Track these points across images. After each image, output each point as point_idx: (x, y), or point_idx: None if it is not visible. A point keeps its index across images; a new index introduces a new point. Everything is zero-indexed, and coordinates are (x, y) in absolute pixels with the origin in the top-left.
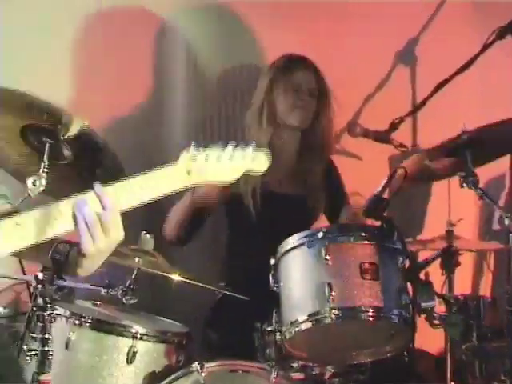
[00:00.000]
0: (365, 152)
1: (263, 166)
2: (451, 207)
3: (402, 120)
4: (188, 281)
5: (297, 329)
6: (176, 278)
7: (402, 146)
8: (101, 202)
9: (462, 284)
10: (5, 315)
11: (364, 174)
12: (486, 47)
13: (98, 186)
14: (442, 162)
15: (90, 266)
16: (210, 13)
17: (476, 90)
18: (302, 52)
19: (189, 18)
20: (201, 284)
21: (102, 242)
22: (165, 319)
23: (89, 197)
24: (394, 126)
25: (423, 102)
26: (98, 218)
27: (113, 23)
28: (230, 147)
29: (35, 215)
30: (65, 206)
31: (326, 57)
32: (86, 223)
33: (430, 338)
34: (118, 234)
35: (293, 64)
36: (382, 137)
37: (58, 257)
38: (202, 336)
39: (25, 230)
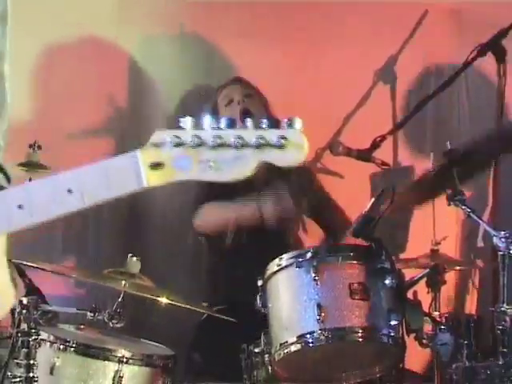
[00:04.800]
0: (346, 170)
1: (299, 155)
2: (435, 228)
3: (384, 138)
4: (176, 303)
5: (286, 350)
6: (164, 300)
7: (383, 164)
8: None
9: (448, 302)
10: None
11: (346, 192)
12: (466, 65)
13: None
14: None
15: None
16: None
17: (456, 107)
18: (279, 73)
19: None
20: (189, 306)
21: None
22: (149, 342)
23: None
24: (375, 145)
25: (405, 120)
26: None
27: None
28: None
29: None
30: None
31: (306, 76)
32: None
33: (418, 358)
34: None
35: (222, 86)
36: (365, 155)
37: None
38: (187, 359)
39: None
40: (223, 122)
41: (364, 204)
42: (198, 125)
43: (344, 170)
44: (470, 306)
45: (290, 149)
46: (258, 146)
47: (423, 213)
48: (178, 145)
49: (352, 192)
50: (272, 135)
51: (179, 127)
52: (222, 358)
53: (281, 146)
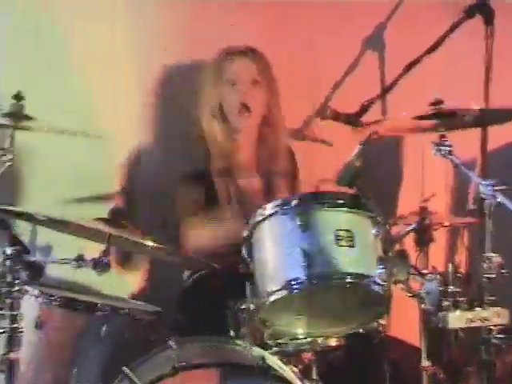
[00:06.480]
0: (335, 138)
1: None
2: (424, 186)
3: (371, 102)
4: (161, 247)
5: (272, 298)
6: (150, 243)
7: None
8: None
9: (436, 261)
10: None
11: (335, 160)
12: (454, 26)
13: None
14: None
15: None
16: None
17: (445, 71)
18: (270, 41)
19: None
20: (173, 252)
21: None
22: (136, 301)
23: None
24: (364, 109)
25: (392, 84)
26: None
27: None
28: None
29: None
30: None
31: (294, 44)
32: None
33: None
34: None
35: (229, 56)
36: (353, 119)
37: None
38: (172, 320)
39: None
40: None
41: None
42: None
43: (333, 138)
44: (459, 262)
45: None
46: None
47: (411, 177)
48: None
49: (341, 160)
50: None
51: None
52: (208, 318)
53: None
